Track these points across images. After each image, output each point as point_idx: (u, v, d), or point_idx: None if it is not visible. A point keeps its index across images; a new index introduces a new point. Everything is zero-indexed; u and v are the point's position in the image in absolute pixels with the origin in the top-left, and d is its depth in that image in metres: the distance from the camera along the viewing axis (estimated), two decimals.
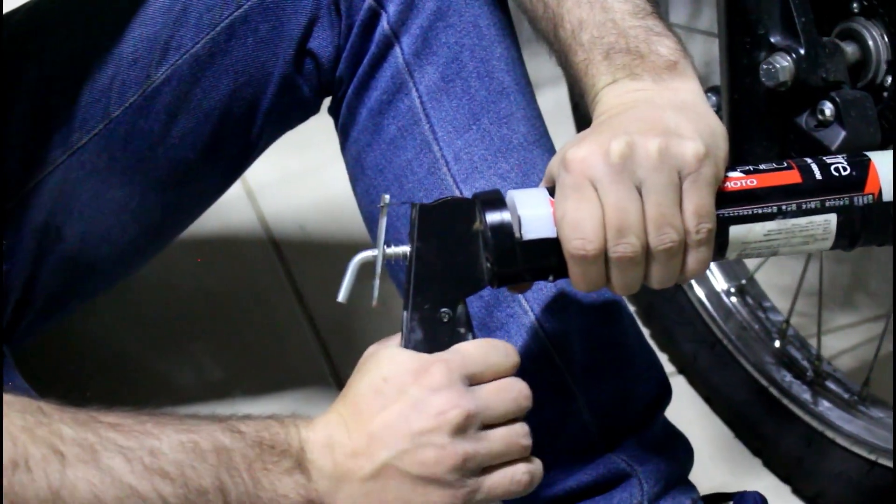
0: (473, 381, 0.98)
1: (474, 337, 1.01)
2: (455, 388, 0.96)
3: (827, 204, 1.04)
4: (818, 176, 1.04)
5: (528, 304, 1.19)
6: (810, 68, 1.19)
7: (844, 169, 1.04)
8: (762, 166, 1.05)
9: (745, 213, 1.03)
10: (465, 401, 0.96)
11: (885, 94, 1.22)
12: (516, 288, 1.07)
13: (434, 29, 1.20)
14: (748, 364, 1.53)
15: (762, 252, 1.05)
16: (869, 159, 1.05)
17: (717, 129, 1.03)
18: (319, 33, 1.22)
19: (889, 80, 1.21)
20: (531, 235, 1.01)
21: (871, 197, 1.04)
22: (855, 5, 1.23)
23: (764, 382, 1.51)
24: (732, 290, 1.58)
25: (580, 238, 0.98)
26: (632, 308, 1.65)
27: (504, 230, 1.01)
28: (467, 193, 1.19)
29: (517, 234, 1.00)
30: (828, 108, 1.19)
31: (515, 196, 1.02)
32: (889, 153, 1.05)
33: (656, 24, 1.07)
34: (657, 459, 1.19)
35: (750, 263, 1.59)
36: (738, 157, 1.27)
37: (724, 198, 1.03)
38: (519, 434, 0.98)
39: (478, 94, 1.20)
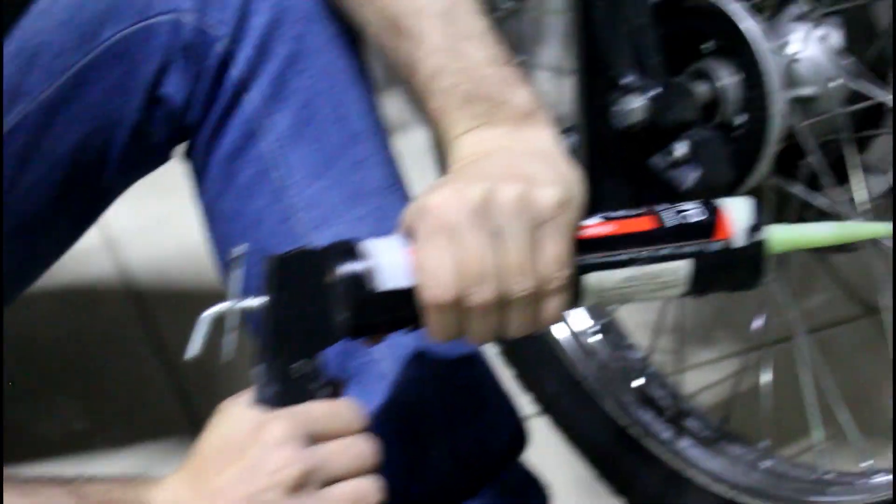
0: (317, 439, 0.97)
1: (331, 391, 1.00)
2: (293, 445, 0.95)
3: (680, 251, 1.04)
4: (670, 223, 1.04)
5: (381, 354, 1.17)
6: (662, 109, 1.20)
7: (697, 215, 1.05)
8: (618, 213, 1.05)
9: (602, 260, 1.03)
10: (302, 457, 0.95)
11: (737, 132, 1.23)
12: (372, 340, 1.05)
13: (286, 74, 1.18)
14: (608, 404, 1.53)
15: (618, 299, 1.04)
16: (721, 206, 1.05)
17: (573, 177, 1.03)
18: (171, 79, 1.20)
19: (739, 119, 1.23)
20: (386, 286, 0.99)
21: (721, 243, 1.04)
22: (705, 45, 1.24)
23: (624, 422, 1.52)
24: (594, 329, 1.58)
25: (437, 286, 0.97)
26: (494, 349, 1.66)
27: (357, 281, 0.99)
28: (321, 241, 1.15)
29: (371, 285, 0.99)
30: (680, 149, 1.20)
31: (370, 245, 1.00)
32: (740, 199, 1.06)
33: (512, 73, 1.07)
34: None
35: None
36: (595, 198, 1.26)
37: (580, 245, 1.02)
38: (365, 489, 0.97)
39: (331, 140, 1.19)
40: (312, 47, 1.19)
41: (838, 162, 1.29)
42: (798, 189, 1.30)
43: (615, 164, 1.24)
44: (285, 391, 0.98)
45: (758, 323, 1.41)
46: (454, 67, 1.06)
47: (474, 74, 1.06)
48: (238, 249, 1.00)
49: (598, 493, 1.57)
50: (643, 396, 1.53)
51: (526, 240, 0.98)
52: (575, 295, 1.03)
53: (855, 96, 1.25)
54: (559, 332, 1.58)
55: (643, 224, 1.04)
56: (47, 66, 1.19)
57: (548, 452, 1.58)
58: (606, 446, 1.54)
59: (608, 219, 1.04)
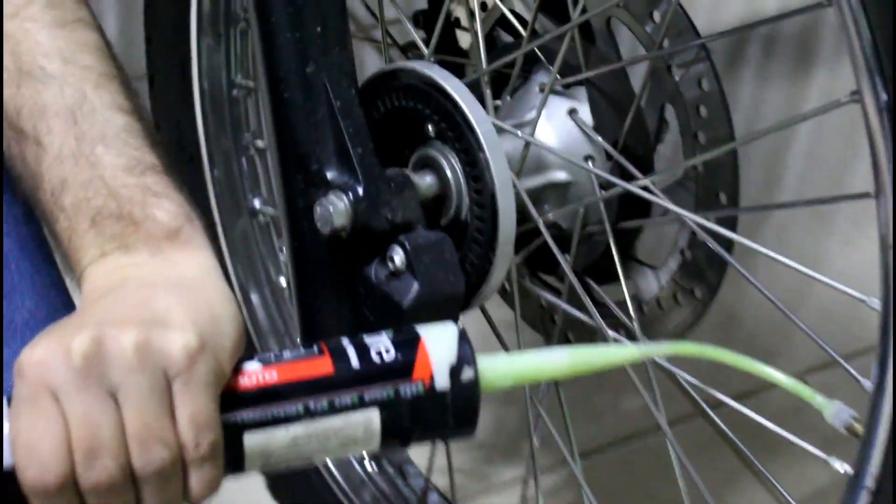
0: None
1: None
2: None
3: (366, 398, 0.83)
4: (354, 364, 0.84)
5: None
6: (371, 208, 0.99)
7: (387, 351, 0.84)
8: (286, 354, 0.84)
9: (263, 416, 0.82)
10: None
11: (470, 233, 1.03)
12: None
13: None
14: None
15: (293, 461, 0.84)
16: (418, 337, 0.85)
17: (223, 313, 0.83)
18: None
19: (469, 216, 1.02)
20: None
21: (420, 385, 0.84)
22: (430, 127, 1.04)
23: None
24: (366, 455, 1.37)
25: (35, 466, 0.78)
26: (261, 480, 1.44)
27: None
28: None
29: None
30: (397, 256, 1.00)
31: None
32: (440, 326, 0.85)
33: (157, 181, 0.87)
34: None
35: None
36: (306, 318, 1.07)
37: (234, 399, 0.82)
38: None
39: None
40: None
41: (604, 258, 1.09)
42: (555, 292, 1.11)
43: (327, 276, 1.03)
44: None
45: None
46: (84, 178, 0.87)
47: (108, 186, 0.87)
48: None
49: None
50: None
51: (151, 399, 0.79)
52: (233, 461, 0.82)
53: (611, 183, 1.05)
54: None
55: (319, 367, 0.84)
56: None
57: None
58: None
59: (273, 361, 0.83)
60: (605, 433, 1.56)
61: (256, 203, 1.41)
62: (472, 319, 1.22)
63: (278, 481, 1.43)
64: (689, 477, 1.05)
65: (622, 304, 1.09)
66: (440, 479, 1.34)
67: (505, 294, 1.19)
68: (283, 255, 1.30)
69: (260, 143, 1.38)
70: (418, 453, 1.37)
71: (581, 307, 1.09)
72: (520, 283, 1.12)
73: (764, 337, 1.62)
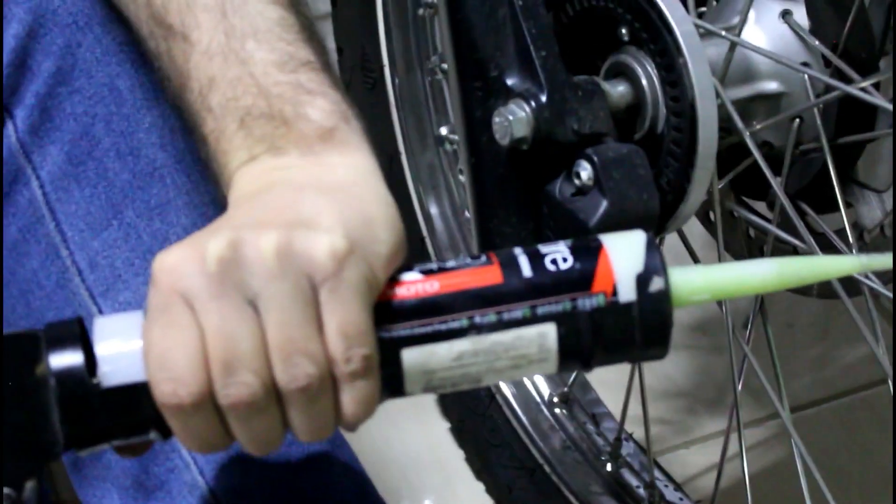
0: None
1: None
2: None
3: (540, 311, 0.74)
4: (526, 273, 0.74)
5: (192, 456, 0.89)
6: (555, 118, 0.89)
7: (565, 260, 0.74)
8: (450, 263, 0.75)
9: (423, 331, 0.73)
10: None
11: (666, 147, 0.92)
12: (124, 450, 0.77)
13: (55, 96, 0.91)
14: (572, 495, 1.22)
15: (459, 382, 0.75)
16: (600, 245, 0.75)
17: (378, 217, 0.74)
18: None
19: (667, 129, 0.91)
20: (112, 381, 0.72)
21: (601, 297, 0.74)
22: (624, 31, 0.93)
23: None
24: (556, 398, 1.27)
25: (170, 380, 0.71)
26: (445, 425, 1.36)
27: (74, 376, 0.72)
28: (109, 310, 0.89)
29: (93, 381, 0.72)
30: (584, 171, 0.89)
31: (98, 325, 0.74)
32: (628, 235, 0.75)
33: (311, 78, 0.79)
34: None
35: None
36: (484, 240, 0.97)
37: (389, 311, 0.73)
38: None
39: (118, 179, 0.91)
40: (86, 61, 0.92)
41: (821, 180, 0.97)
42: (764, 220, 0.99)
43: (507, 194, 0.93)
44: None
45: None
46: (233, 75, 0.79)
47: (258, 84, 0.80)
48: None
49: None
50: (614, 485, 1.22)
51: (295, 308, 0.71)
52: (390, 380, 0.73)
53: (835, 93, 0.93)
54: (514, 402, 1.27)
55: (486, 277, 0.74)
56: None
57: None
58: None
59: (436, 272, 0.74)
60: (825, 386, 1.44)
61: (444, 130, 1.32)
62: (668, 250, 1.12)
63: (462, 426, 1.35)
64: None
65: (841, 233, 0.97)
66: (636, 429, 1.24)
67: (708, 222, 1.08)
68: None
69: (446, 66, 1.29)
70: (613, 400, 1.27)
71: (794, 236, 0.98)
72: (724, 207, 1.01)
73: None
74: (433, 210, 1.32)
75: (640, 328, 0.74)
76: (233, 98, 0.79)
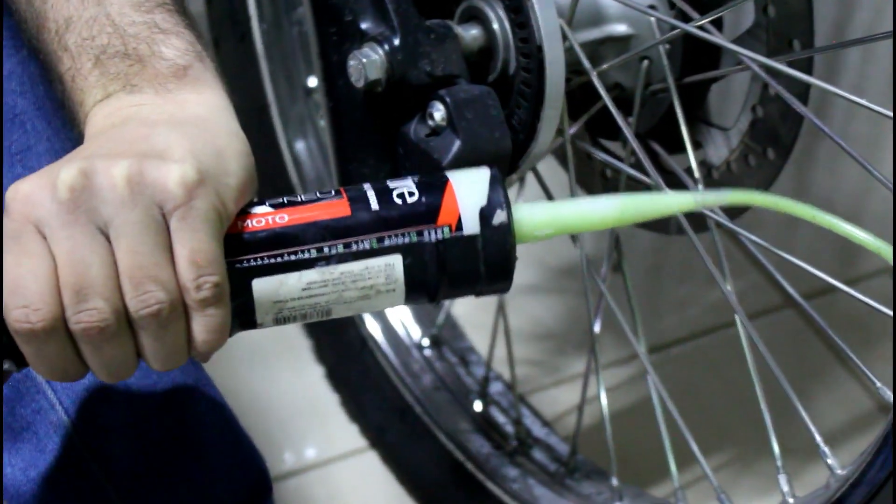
0: None
1: None
2: None
3: (386, 242, 0.76)
4: (374, 205, 0.77)
5: (57, 396, 0.90)
6: (408, 60, 0.91)
7: (412, 195, 0.77)
8: (301, 197, 0.78)
9: (273, 261, 0.76)
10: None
11: (517, 87, 0.94)
12: None
13: None
14: (442, 434, 1.25)
15: (310, 313, 0.77)
16: (447, 180, 0.77)
17: (228, 149, 0.77)
18: None
19: (517, 71, 0.94)
20: None
21: (446, 229, 0.76)
22: None
23: (459, 456, 1.23)
24: (426, 340, 1.29)
25: (22, 306, 0.72)
26: (319, 371, 1.38)
27: None
28: None
29: None
30: (437, 111, 0.92)
31: None
32: (473, 170, 0.78)
33: (166, 18, 0.81)
34: None
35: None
36: (346, 182, 0.99)
37: (240, 242, 0.75)
38: None
39: None
40: None
41: (670, 120, 1.01)
42: (618, 159, 1.02)
43: (364, 133, 0.96)
44: None
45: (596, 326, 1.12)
46: (89, 15, 0.81)
47: (114, 23, 0.81)
48: None
49: None
50: (483, 423, 1.25)
51: (146, 236, 0.73)
52: (241, 309, 0.75)
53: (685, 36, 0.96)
54: (384, 345, 1.30)
55: (334, 209, 0.77)
56: None
57: (376, 494, 1.30)
58: (438, 486, 1.26)
59: (285, 205, 0.77)
60: (690, 324, 1.48)
61: (312, 81, 1.34)
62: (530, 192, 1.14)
63: (335, 371, 1.37)
64: (767, 366, 0.96)
65: (690, 171, 1.00)
66: (504, 370, 1.26)
67: (565, 161, 1.11)
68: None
69: None
70: (483, 342, 1.30)
71: (646, 175, 1.01)
72: (577, 147, 1.04)
73: (842, 200, 1.52)
74: (303, 157, 1.33)
75: (484, 261, 0.77)
76: (89, 37, 0.80)
